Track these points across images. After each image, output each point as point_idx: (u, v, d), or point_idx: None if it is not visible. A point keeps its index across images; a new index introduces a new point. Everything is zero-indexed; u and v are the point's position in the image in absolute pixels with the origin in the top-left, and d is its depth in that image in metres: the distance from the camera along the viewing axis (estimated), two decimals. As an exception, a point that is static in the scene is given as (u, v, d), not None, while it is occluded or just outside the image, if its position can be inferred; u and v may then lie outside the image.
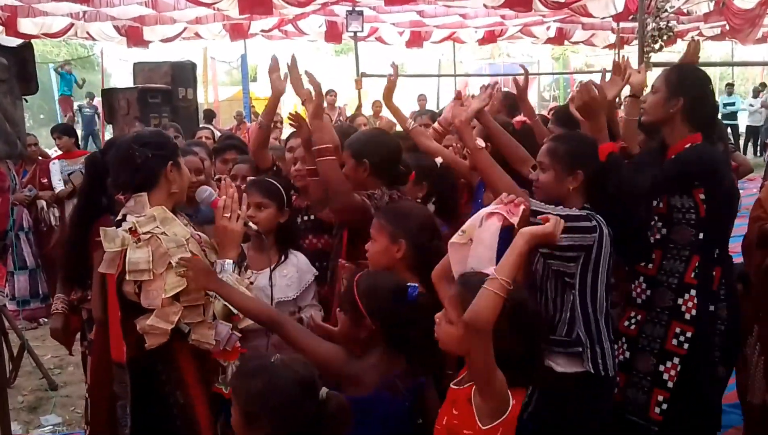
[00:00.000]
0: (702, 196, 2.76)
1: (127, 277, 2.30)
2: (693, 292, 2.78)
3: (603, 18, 10.02)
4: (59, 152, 7.05)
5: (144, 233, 2.33)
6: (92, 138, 16.49)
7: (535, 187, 2.66)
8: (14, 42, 5.26)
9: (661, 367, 2.80)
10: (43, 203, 6.49)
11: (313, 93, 2.89)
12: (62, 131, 7.01)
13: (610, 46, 13.61)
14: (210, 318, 2.35)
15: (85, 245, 2.97)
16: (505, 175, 2.63)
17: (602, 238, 2.43)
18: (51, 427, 4.44)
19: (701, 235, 2.78)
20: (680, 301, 2.80)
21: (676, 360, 2.78)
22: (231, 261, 2.40)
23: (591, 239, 2.40)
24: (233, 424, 1.86)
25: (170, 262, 2.30)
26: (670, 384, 2.78)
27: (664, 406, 2.78)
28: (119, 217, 2.43)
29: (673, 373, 2.78)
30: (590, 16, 9.72)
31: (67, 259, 3.23)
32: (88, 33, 11.53)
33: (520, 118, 3.78)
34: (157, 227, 2.37)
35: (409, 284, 2.24)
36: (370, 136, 3.16)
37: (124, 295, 2.35)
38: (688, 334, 2.76)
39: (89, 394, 3.24)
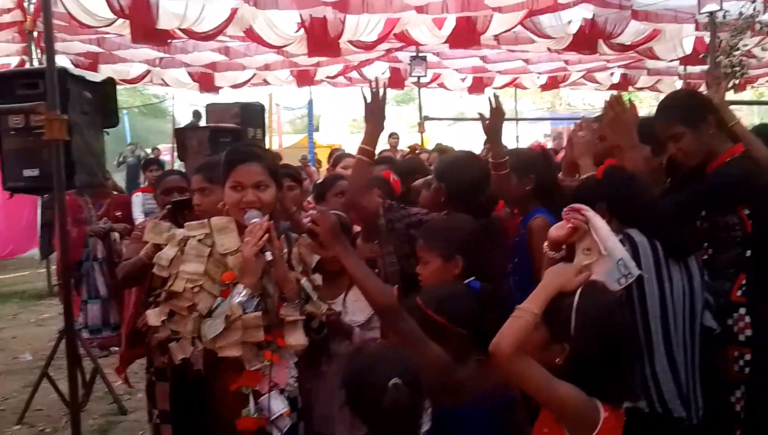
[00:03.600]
0: (746, 212, 2.61)
1: (153, 270, 2.50)
2: (742, 310, 2.60)
3: (670, 61, 9.90)
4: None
5: (187, 235, 2.52)
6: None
7: (681, 157, 2.67)
8: (98, 77, 5.55)
9: (732, 398, 2.58)
10: (116, 235, 6.72)
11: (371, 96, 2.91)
12: (157, 164, 7.34)
13: (676, 92, 13.37)
14: (188, 333, 2.43)
15: None
16: None
17: (636, 252, 2.30)
18: (120, 449, 4.50)
19: (748, 253, 2.62)
20: (730, 321, 2.61)
21: (743, 388, 2.57)
22: (241, 286, 2.41)
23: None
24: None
25: (181, 269, 2.45)
26: (742, 415, 2.55)
27: None
28: None
29: (743, 403, 2.56)
30: (656, 58, 9.61)
31: None
32: (162, 79, 12.05)
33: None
34: (207, 234, 2.53)
35: (467, 281, 2.25)
36: (455, 159, 3.11)
37: None
38: (747, 357, 2.56)
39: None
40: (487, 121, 2.99)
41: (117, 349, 6.31)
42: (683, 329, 2.44)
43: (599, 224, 2.07)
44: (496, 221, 3.01)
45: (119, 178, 14.44)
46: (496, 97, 3.08)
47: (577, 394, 1.78)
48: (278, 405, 2.42)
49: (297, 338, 2.50)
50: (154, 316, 2.47)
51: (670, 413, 2.30)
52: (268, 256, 2.44)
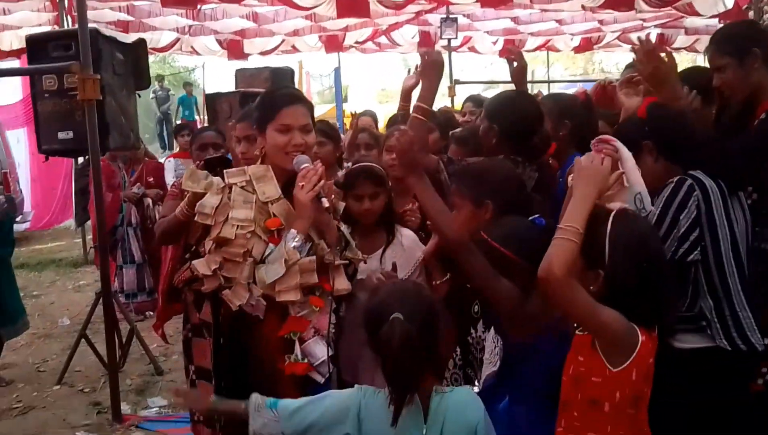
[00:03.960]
0: None
1: (196, 218, 2.44)
2: None
3: (710, 17, 9.55)
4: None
5: (228, 183, 2.46)
6: (166, 122, 17.36)
7: (727, 90, 2.61)
8: (129, 38, 5.52)
9: None
10: (149, 201, 6.76)
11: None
12: (188, 129, 7.35)
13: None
14: (244, 279, 2.38)
15: None
16: None
17: (707, 196, 2.27)
18: (157, 408, 4.58)
19: None
20: None
21: None
22: (295, 231, 2.38)
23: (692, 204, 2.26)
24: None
25: (228, 214, 2.39)
26: None
27: None
28: None
29: None
30: (696, 14, 9.26)
31: None
32: (192, 47, 12.02)
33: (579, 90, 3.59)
34: (247, 181, 2.47)
35: (532, 217, 2.22)
36: (506, 99, 2.98)
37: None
38: None
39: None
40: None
41: (152, 313, 6.39)
42: (749, 263, 2.41)
43: (626, 156, 2.06)
44: (545, 165, 2.90)
45: (154, 148, 14.66)
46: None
47: (619, 319, 1.78)
48: (321, 350, 2.42)
49: (342, 283, 2.51)
50: (202, 265, 2.41)
51: (753, 347, 2.28)
52: (325, 202, 2.45)
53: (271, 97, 2.55)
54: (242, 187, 2.45)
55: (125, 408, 4.51)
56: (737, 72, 2.60)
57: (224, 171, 2.50)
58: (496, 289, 2.10)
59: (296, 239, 2.37)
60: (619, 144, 2.06)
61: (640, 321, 1.81)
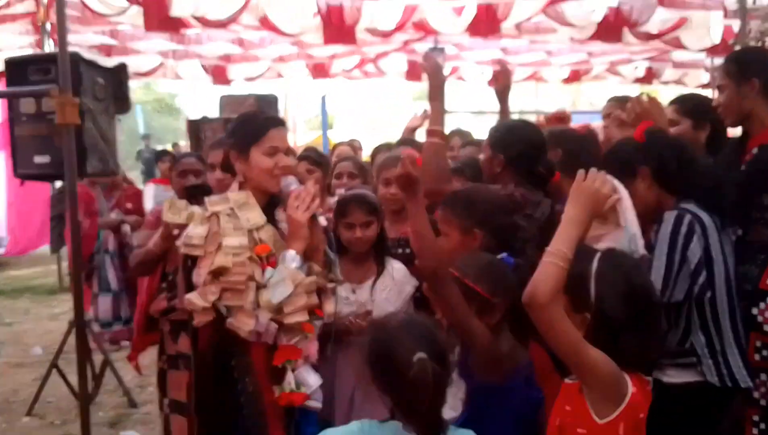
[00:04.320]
0: None
1: (182, 250, 2.35)
2: None
3: (698, 50, 9.64)
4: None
5: (210, 212, 2.38)
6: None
7: (721, 111, 2.67)
8: (110, 63, 5.43)
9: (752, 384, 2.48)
10: (127, 228, 6.60)
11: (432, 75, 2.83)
12: (170, 155, 7.23)
13: (702, 86, 13.11)
14: (249, 305, 2.28)
15: None
16: None
17: (705, 231, 2.26)
18: (130, 442, 4.40)
19: None
20: (755, 310, 2.53)
21: (764, 376, 2.51)
22: (294, 252, 2.33)
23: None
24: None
25: (220, 243, 2.30)
26: (763, 402, 2.52)
27: (762, 426, 2.52)
28: None
29: (763, 390, 2.52)
30: (683, 48, 9.34)
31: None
32: (176, 73, 11.94)
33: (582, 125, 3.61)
34: (229, 208, 2.38)
35: (499, 256, 2.17)
36: (510, 128, 2.93)
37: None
38: None
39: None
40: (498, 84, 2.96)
41: (127, 342, 6.21)
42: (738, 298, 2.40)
43: (624, 194, 2.02)
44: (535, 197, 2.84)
45: (135, 175, 14.51)
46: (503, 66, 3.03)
47: (608, 362, 1.68)
48: (314, 378, 2.36)
49: (330, 307, 2.47)
50: (199, 298, 2.30)
51: (738, 385, 2.27)
52: (323, 221, 2.45)
53: (255, 119, 2.51)
54: (228, 215, 2.39)
55: (96, 443, 4.34)
56: (733, 96, 2.65)
57: (206, 199, 2.44)
58: (470, 326, 2.02)
59: (295, 260, 2.33)
60: (617, 183, 1.99)
61: (630, 364, 1.72)
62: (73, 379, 4.54)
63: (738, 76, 2.63)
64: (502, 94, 3.33)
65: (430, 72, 2.76)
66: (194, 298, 2.31)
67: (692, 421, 2.24)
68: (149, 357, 3.85)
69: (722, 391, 2.27)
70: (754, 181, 2.58)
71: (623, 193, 2.02)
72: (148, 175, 16.86)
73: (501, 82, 3.37)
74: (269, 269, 2.32)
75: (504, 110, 3.37)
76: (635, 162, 2.38)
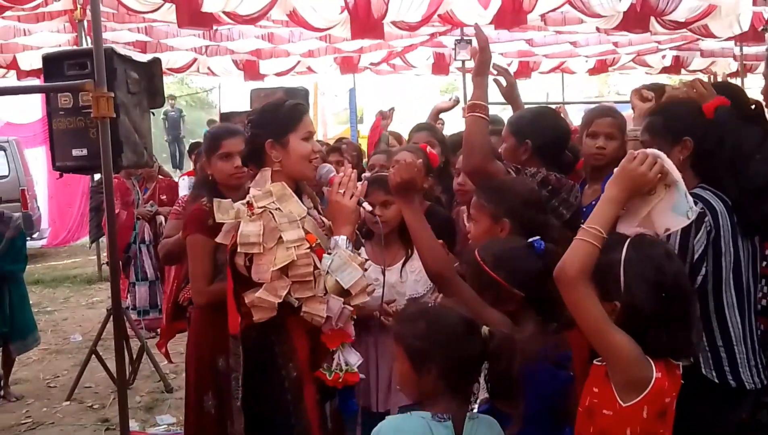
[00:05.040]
0: None
1: (239, 250, 2.32)
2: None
3: (726, 39, 9.52)
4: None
5: (258, 207, 2.36)
6: (177, 143, 17.61)
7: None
8: (144, 57, 5.59)
9: None
10: (162, 218, 6.79)
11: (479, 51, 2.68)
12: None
13: (731, 75, 12.93)
14: (320, 292, 2.31)
15: None
16: None
17: (717, 221, 2.19)
18: (165, 426, 4.58)
19: None
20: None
21: None
22: (345, 237, 2.37)
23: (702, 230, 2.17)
24: (399, 376, 1.85)
25: (280, 237, 2.31)
26: None
27: None
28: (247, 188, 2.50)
29: None
30: (712, 36, 9.22)
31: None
32: (209, 68, 12.14)
33: None
34: (273, 202, 2.38)
35: (531, 239, 2.12)
36: (536, 115, 2.94)
37: (235, 267, 2.38)
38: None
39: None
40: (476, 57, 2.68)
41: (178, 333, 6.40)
42: (750, 299, 2.33)
43: (664, 157, 1.89)
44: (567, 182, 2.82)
45: (169, 167, 14.81)
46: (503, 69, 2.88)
47: (633, 346, 1.69)
48: (354, 357, 2.41)
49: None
50: (268, 295, 2.29)
51: (742, 385, 2.20)
52: (367, 206, 2.49)
53: (288, 106, 2.51)
54: (277, 209, 2.39)
55: (134, 425, 4.50)
56: None
57: (250, 195, 2.42)
58: (486, 319, 1.99)
59: (348, 245, 2.36)
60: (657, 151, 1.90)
61: (659, 353, 1.72)
62: (111, 364, 4.71)
63: None
64: (510, 94, 3.21)
65: (481, 46, 2.62)
66: (264, 296, 2.29)
67: (687, 416, 2.13)
68: (181, 344, 3.98)
69: (723, 389, 2.20)
70: None
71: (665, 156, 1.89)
72: (176, 139, 17.53)
73: (505, 86, 3.20)
74: (326, 256, 2.34)
75: (518, 108, 3.25)
76: (687, 129, 2.29)
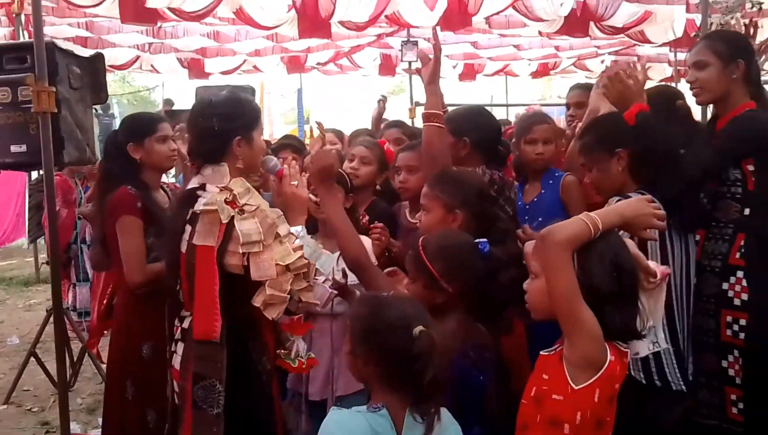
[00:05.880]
0: (751, 168, 2.56)
1: (241, 250, 2.26)
2: (740, 273, 2.53)
3: (661, 44, 9.89)
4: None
5: (247, 205, 2.33)
6: None
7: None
8: (87, 52, 5.47)
9: (724, 363, 2.55)
10: (104, 218, 6.63)
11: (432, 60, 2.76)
12: None
13: (666, 80, 13.42)
14: (312, 281, 2.40)
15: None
16: None
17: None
18: (108, 427, 4.46)
19: (747, 211, 2.57)
20: (726, 285, 2.55)
21: (736, 353, 2.52)
22: (301, 226, 2.41)
23: None
24: (344, 356, 1.92)
25: (277, 233, 2.32)
26: (738, 380, 2.52)
27: (741, 405, 2.52)
28: (197, 185, 2.41)
29: (737, 367, 2.52)
30: (648, 42, 9.58)
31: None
32: (152, 66, 11.93)
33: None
34: (251, 199, 2.37)
35: (478, 241, 2.15)
36: (471, 114, 3.05)
37: (224, 269, 2.30)
38: (742, 322, 2.51)
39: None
40: (428, 65, 2.71)
41: (105, 331, 6.26)
42: (682, 300, 2.44)
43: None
44: (509, 180, 2.97)
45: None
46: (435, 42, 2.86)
47: (595, 323, 1.74)
48: (302, 344, 2.48)
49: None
50: (274, 291, 2.27)
51: (669, 386, 2.29)
52: (313, 197, 2.55)
53: (251, 101, 2.55)
54: (259, 206, 2.38)
55: (75, 427, 4.41)
56: (718, 74, 2.66)
57: (237, 193, 2.36)
58: None
59: (306, 234, 2.40)
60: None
61: (614, 335, 1.78)
62: (52, 367, 4.62)
63: (726, 55, 2.64)
64: (431, 80, 2.82)
65: (435, 55, 2.71)
66: (276, 293, 2.27)
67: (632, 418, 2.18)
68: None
69: (650, 389, 2.30)
70: (722, 151, 2.59)
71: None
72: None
73: (428, 70, 2.83)
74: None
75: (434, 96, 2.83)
76: (617, 142, 2.41)
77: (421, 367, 1.70)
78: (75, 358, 5.15)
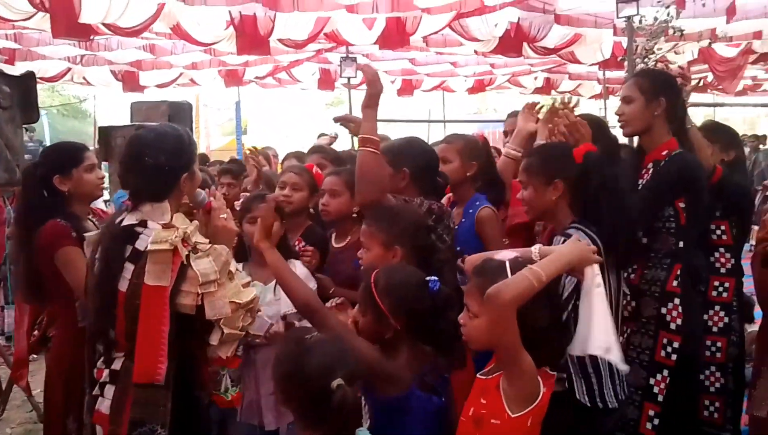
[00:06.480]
0: (682, 205, 2.77)
1: (199, 290, 2.22)
2: (677, 300, 2.75)
3: (591, 65, 10.29)
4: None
5: (199, 243, 2.31)
6: None
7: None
8: (17, 71, 5.33)
9: (652, 380, 2.74)
10: (35, 239, 6.43)
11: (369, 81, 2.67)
12: None
13: (596, 96, 13.96)
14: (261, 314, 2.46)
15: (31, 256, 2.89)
16: None
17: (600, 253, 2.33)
18: (40, 457, 4.33)
19: (681, 244, 2.78)
20: (664, 310, 2.77)
21: (666, 372, 2.73)
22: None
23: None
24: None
25: (230, 271, 2.30)
26: (660, 397, 2.72)
27: (656, 421, 2.72)
28: (135, 222, 2.32)
29: (663, 386, 2.72)
30: (578, 62, 9.97)
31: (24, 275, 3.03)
32: (84, 78, 11.66)
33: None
34: (198, 236, 2.34)
35: (428, 278, 2.18)
36: (410, 145, 3.03)
37: (176, 308, 2.24)
38: (675, 345, 2.72)
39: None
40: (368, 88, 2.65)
41: (36, 356, 6.05)
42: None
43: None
44: (447, 209, 2.97)
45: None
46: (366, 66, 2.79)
47: (532, 365, 1.87)
48: (228, 380, 2.55)
49: None
50: (231, 329, 2.25)
51: (606, 405, 2.39)
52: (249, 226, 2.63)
53: (190, 137, 2.48)
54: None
55: (4, 458, 4.27)
56: (641, 109, 2.85)
57: (188, 231, 2.30)
58: (355, 349, 2.00)
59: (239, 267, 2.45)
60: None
61: (545, 362, 1.91)
62: (-22, 395, 4.47)
63: (649, 92, 2.82)
64: (368, 104, 2.67)
65: (370, 80, 2.63)
66: (228, 330, 2.24)
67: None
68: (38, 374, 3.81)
69: (594, 410, 2.37)
70: (656, 195, 2.78)
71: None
72: None
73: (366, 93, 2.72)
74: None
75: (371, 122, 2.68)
76: (558, 172, 2.46)
77: (336, 415, 1.76)
78: (3, 386, 4.97)
